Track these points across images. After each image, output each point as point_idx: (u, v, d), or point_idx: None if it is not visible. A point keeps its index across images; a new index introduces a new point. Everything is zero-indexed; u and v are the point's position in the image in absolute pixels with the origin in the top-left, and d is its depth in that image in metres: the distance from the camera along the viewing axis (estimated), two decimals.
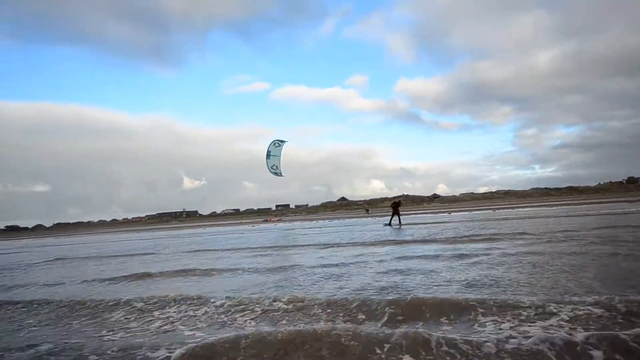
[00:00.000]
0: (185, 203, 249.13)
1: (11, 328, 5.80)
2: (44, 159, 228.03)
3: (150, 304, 6.35)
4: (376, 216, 56.17)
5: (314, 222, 49.10)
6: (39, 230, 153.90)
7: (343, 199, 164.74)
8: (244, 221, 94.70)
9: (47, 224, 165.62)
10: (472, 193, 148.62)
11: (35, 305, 6.96)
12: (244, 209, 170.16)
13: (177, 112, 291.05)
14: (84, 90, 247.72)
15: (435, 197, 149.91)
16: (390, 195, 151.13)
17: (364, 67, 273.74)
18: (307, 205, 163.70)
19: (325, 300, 5.74)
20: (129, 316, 5.90)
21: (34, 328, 5.70)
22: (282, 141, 22.88)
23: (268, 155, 23.06)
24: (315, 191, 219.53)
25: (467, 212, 44.04)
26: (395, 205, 24.70)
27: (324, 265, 9.32)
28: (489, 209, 52.24)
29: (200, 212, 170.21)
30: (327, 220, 50.02)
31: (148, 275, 9.77)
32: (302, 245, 15.22)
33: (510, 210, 42.46)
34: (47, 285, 9.41)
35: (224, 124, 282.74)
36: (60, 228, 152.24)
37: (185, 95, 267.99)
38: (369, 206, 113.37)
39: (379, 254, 10.93)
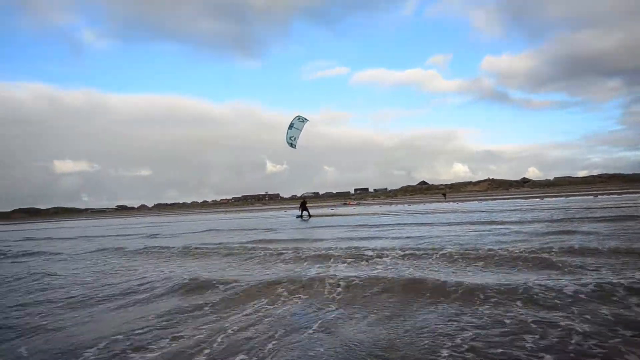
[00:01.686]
0: (268, 186, 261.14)
1: None
2: (147, 146, 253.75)
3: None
4: (453, 201, 53.83)
5: (393, 206, 48.56)
6: (143, 209, 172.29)
7: (423, 182, 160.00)
8: (323, 204, 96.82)
9: (149, 204, 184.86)
10: (570, 177, 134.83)
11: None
12: (323, 192, 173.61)
13: (260, 99, 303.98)
14: (180, 82, 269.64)
15: (525, 182, 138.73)
16: (474, 180, 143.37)
17: (446, 47, 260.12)
18: (386, 189, 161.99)
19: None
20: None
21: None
22: (306, 119, 23.44)
23: (291, 126, 23.58)
24: (395, 175, 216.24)
25: (563, 198, 40.18)
26: (303, 204, 30.53)
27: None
28: (589, 194, 47.06)
29: (281, 195, 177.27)
30: (406, 205, 49.13)
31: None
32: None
33: (616, 195, 37.78)
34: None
35: (304, 109, 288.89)
36: (160, 208, 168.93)
37: (268, 82, 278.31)
38: (450, 190, 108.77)
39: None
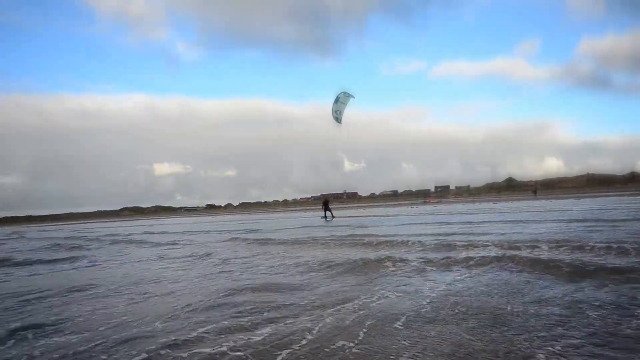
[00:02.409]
0: (345, 184, 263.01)
1: None
2: (233, 148, 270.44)
3: None
4: (545, 198, 49.46)
5: (477, 204, 46.32)
6: (229, 208, 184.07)
7: (510, 179, 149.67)
8: (402, 203, 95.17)
9: (235, 203, 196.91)
10: None
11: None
12: (401, 191, 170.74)
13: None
14: (263, 86, 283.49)
15: (634, 176, 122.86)
16: (570, 175, 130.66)
17: (534, 31, 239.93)
18: (468, 186, 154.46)
19: None
20: None
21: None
22: (352, 95, 22.57)
23: (336, 100, 22.78)
24: (478, 171, 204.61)
25: None
26: (325, 204, 31.36)
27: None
28: None
29: (359, 194, 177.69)
30: (491, 203, 46.56)
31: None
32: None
33: None
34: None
35: (381, 106, 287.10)
36: (245, 207, 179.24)
37: (345, 81, 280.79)
38: (541, 187, 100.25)
39: None
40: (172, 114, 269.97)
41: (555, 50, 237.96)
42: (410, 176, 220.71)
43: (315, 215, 39.60)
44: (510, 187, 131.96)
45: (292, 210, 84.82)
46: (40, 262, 12.32)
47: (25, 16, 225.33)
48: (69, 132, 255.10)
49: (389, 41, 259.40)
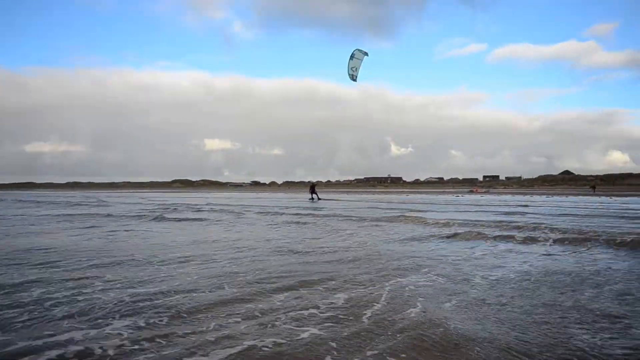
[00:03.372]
0: (391, 169, 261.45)
1: None
2: (281, 127, 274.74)
3: None
4: (604, 194, 46.63)
5: (527, 196, 44.74)
6: (273, 186, 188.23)
7: (567, 172, 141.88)
8: (447, 190, 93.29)
9: (279, 181, 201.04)
10: None
11: None
12: (447, 178, 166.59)
13: (389, 80, 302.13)
14: (315, 66, 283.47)
15: None
16: (636, 171, 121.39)
17: (610, 13, 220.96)
18: (520, 177, 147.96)
19: None
20: None
21: None
22: (366, 53, 22.84)
23: (352, 57, 22.97)
24: (532, 162, 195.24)
25: None
26: (312, 187, 36.54)
27: None
28: None
29: (404, 179, 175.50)
30: (544, 196, 44.81)
31: None
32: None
33: None
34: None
35: (434, 90, 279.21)
36: (289, 185, 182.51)
37: (398, 64, 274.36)
38: (601, 182, 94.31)
39: None
40: (225, 92, 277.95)
41: (633, 35, 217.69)
42: (459, 163, 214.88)
43: (361, 199, 40.11)
44: (566, 181, 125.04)
45: (336, 192, 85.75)
46: (186, 219, 15.80)
47: None
48: (128, 105, 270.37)
49: (448, 22, 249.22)
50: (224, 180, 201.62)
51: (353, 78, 24.35)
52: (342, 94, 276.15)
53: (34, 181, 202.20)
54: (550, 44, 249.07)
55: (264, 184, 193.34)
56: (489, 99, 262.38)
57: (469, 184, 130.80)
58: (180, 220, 15.75)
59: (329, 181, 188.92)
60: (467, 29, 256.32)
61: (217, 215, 18.25)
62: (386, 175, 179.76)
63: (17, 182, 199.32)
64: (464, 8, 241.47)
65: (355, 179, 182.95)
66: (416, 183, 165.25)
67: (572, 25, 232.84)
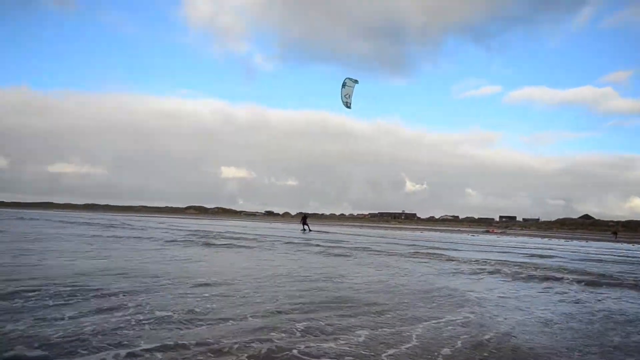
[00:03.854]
0: (405, 205, 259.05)
1: None
2: (296, 158, 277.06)
3: None
4: (626, 241, 45.42)
5: (546, 239, 43.89)
6: (286, 216, 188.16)
7: (587, 217, 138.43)
8: (462, 229, 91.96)
9: (292, 212, 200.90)
10: None
11: None
12: (463, 217, 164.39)
13: (404, 117, 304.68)
14: (330, 100, 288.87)
15: None
16: None
17: (627, 61, 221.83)
18: (537, 219, 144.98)
19: None
20: None
21: None
22: (356, 81, 23.46)
23: (344, 85, 23.63)
24: (550, 205, 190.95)
25: None
26: (304, 218, 39.77)
27: None
28: None
29: (418, 215, 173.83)
30: (563, 240, 43.90)
31: None
32: None
33: None
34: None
35: (450, 128, 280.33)
36: (301, 217, 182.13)
37: (414, 101, 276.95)
38: (623, 229, 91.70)
39: None
40: (243, 121, 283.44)
41: None
42: (474, 202, 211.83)
43: (379, 235, 40.02)
44: (586, 225, 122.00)
45: (350, 226, 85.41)
46: (234, 246, 16.75)
47: (119, 20, 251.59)
48: (149, 131, 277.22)
49: (464, 63, 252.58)
50: (237, 209, 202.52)
51: (347, 105, 25.09)
52: (357, 128, 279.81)
53: (53, 201, 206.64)
54: (566, 88, 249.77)
55: (277, 214, 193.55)
56: (504, 140, 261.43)
57: (485, 224, 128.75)
58: (230, 246, 16.60)
59: (342, 214, 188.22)
60: (482, 71, 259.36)
61: (255, 243, 19.02)
62: (400, 211, 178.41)
63: (37, 201, 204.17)
64: (479, 50, 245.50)
65: (369, 214, 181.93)
66: (431, 220, 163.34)
67: (588, 72, 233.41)
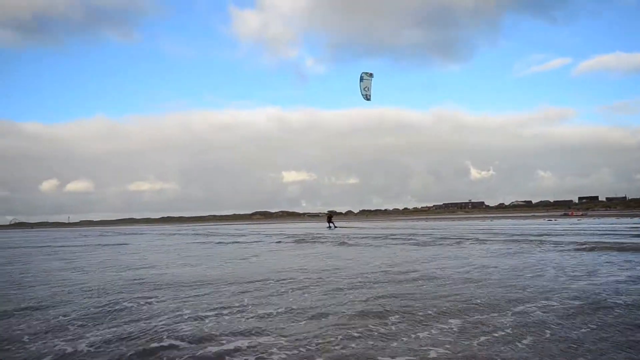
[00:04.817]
0: (471, 194, 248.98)
1: None
2: (355, 156, 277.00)
3: None
4: None
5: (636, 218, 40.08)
6: (349, 215, 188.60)
7: None
8: (537, 214, 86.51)
9: (355, 210, 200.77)
10: None
11: None
12: (536, 201, 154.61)
13: (463, 103, 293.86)
14: (383, 94, 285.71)
15: None
16: None
17: None
18: (624, 197, 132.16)
19: None
20: None
21: None
22: (372, 74, 22.71)
23: (361, 79, 23.17)
24: (638, 180, 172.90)
25: None
26: (329, 216, 42.28)
27: None
28: None
29: (486, 204, 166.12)
30: None
31: None
32: None
33: None
34: None
35: (514, 109, 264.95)
36: (366, 214, 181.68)
37: (473, 85, 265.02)
38: None
39: None
40: (299, 125, 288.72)
41: None
42: (548, 185, 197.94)
43: (447, 226, 39.23)
44: None
45: (413, 219, 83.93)
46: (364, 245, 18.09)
47: (176, 46, 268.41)
48: (210, 144, 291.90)
49: (524, 39, 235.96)
50: (301, 211, 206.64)
51: (367, 97, 25.15)
52: (414, 119, 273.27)
53: (133, 217, 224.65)
54: None
55: (340, 213, 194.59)
56: (577, 114, 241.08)
57: (562, 207, 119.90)
58: (361, 245, 17.94)
59: (405, 208, 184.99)
60: (547, 44, 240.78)
61: (367, 241, 20.24)
62: (467, 200, 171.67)
63: (120, 218, 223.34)
64: (542, 23, 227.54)
65: (434, 205, 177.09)
66: (500, 207, 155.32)
67: None
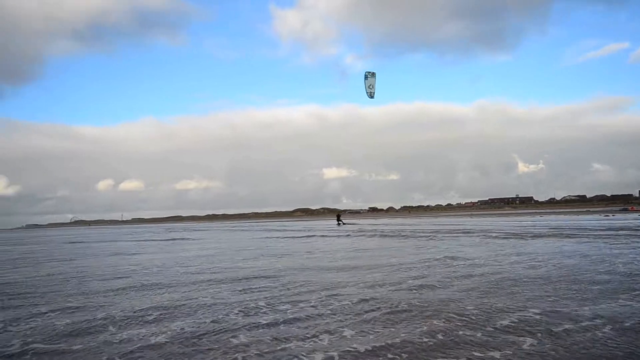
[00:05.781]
0: (518, 188, 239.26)
1: None
2: (396, 151, 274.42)
3: None
4: None
5: None
6: (390, 211, 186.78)
7: None
8: (591, 210, 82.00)
9: (396, 206, 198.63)
10: None
11: None
12: (591, 195, 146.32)
13: (510, 94, 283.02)
14: (425, 89, 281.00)
15: None
16: None
17: None
18: None
19: None
20: None
21: None
22: (374, 73, 23.47)
23: (366, 77, 23.14)
24: None
25: None
26: (338, 216, 45.83)
27: None
28: None
29: (535, 199, 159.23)
30: None
31: None
32: None
33: None
34: None
35: (565, 99, 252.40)
36: (408, 210, 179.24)
37: (520, 75, 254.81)
38: None
39: None
40: (339, 122, 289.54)
41: None
42: (604, 178, 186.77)
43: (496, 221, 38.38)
44: None
45: (459, 215, 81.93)
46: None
47: (220, 47, 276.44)
48: (253, 142, 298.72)
49: (577, 25, 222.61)
50: (342, 208, 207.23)
51: (371, 95, 25.41)
52: (457, 113, 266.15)
53: (180, 214, 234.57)
54: None
55: (381, 210, 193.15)
56: (634, 103, 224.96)
57: (621, 202, 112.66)
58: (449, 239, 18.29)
59: (449, 204, 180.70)
60: (602, 29, 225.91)
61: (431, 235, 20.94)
62: (514, 196, 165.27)
63: (168, 216, 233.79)
64: (596, 7, 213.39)
65: (479, 201, 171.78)
66: (551, 202, 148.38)
67: None
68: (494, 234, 19.62)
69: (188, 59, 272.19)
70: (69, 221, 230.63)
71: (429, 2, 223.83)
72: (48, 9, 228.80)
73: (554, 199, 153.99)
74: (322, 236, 24.31)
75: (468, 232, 21.83)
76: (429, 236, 20.11)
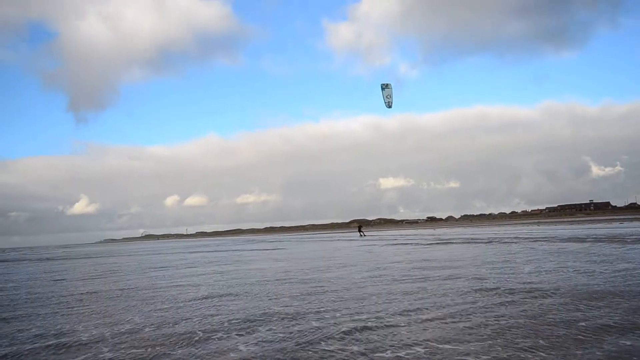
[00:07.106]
0: (592, 193, 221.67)
1: None
2: (455, 158, 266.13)
3: None
4: None
5: None
6: (450, 220, 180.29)
7: None
8: None
9: (456, 215, 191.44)
10: None
11: None
12: None
13: (580, 93, 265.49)
14: (484, 92, 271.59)
15: None
16: None
17: None
18: None
19: None
20: None
21: None
22: (389, 84, 23.37)
23: (382, 88, 23.24)
24: None
25: None
26: (360, 226, 50.84)
27: None
28: None
29: (612, 204, 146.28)
30: None
31: None
32: None
33: None
34: None
35: None
36: (469, 219, 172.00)
37: (590, 72, 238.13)
38: None
39: None
40: (396, 131, 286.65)
41: None
42: None
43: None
44: None
45: (520, 223, 77.29)
46: None
47: (276, 64, 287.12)
48: (310, 155, 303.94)
49: None
50: (398, 218, 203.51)
51: (389, 105, 25.05)
52: (519, 116, 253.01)
53: (240, 228, 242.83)
54: None
55: (440, 219, 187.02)
56: None
57: None
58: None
59: (513, 212, 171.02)
60: None
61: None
62: (587, 201, 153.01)
63: (229, 229, 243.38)
64: None
65: (547, 208, 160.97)
66: (632, 207, 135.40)
67: None
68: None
69: (247, 77, 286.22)
70: (139, 235, 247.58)
71: (486, 2, 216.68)
72: (122, 41, 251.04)
73: (635, 203, 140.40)
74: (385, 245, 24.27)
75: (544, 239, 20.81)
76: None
